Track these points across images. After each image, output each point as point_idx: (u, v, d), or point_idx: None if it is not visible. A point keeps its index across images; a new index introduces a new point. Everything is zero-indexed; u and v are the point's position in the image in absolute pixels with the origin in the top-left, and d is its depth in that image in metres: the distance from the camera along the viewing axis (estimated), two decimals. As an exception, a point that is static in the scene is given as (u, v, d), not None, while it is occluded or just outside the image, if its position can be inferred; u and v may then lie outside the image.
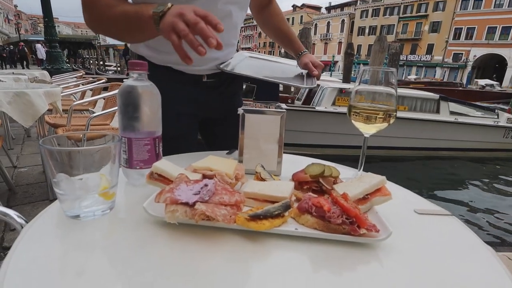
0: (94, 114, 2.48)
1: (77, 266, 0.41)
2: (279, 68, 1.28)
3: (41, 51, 17.71)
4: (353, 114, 0.76)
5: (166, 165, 0.62)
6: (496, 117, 6.74)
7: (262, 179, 0.69)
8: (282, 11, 1.28)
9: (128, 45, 1.04)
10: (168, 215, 0.48)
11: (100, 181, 0.53)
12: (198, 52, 0.62)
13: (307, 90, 6.57)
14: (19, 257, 0.42)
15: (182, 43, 0.64)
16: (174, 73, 1.01)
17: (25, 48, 20.96)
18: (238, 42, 1.25)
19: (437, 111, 6.14)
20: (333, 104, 5.73)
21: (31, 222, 0.51)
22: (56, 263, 0.42)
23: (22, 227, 0.72)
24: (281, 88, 8.90)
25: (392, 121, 0.74)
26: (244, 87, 1.25)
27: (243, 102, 1.16)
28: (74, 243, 0.47)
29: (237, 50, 1.20)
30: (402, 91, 6.31)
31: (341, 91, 5.77)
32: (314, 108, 5.62)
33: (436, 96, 6.17)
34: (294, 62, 1.24)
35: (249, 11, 1.18)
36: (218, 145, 1.05)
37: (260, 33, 79.17)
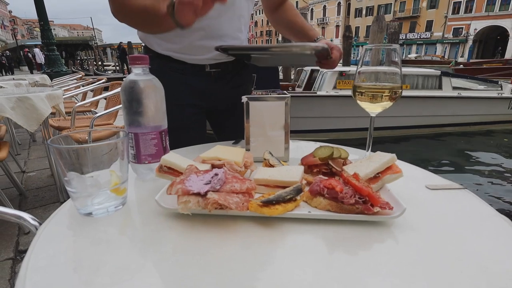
0: (97, 114, 2.49)
1: (95, 262, 0.42)
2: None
3: (39, 56, 17.65)
4: (358, 94, 0.75)
5: (175, 157, 0.62)
6: (500, 88, 6.65)
7: (271, 166, 0.68)
8: (293, 6, 1.24)
9: (138, 35, 1.03)
10: (181, 206, 0.48)
11: (111, 177, 0.53)
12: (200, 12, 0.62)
13: (307, 76, 6.52)
14: (37, 257, 0.43)
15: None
16: (176, 63, 1.00)
17: (29, 54, 20.89)
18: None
19: (440, 87, 6.07)
20: (334, 88, 5.68)
21: (46, 222, 0.52)
22: (74, 260, 0.42)
23: (37, 229, 0.73)
24: (280, 77, 8.83)
25: (398, 98, 0.73)
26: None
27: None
28: (90, 239, 0.47)
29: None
30: (403, 69, 6.23)
31: (341, 74, 5.72)
32: (316, 93, 5.58)
33: (437, 72, 6.09)
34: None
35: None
36: (227, 136, 1.04)
37: (256, 22, 78.25)
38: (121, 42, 19.14)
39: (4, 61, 20.31)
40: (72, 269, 0.41)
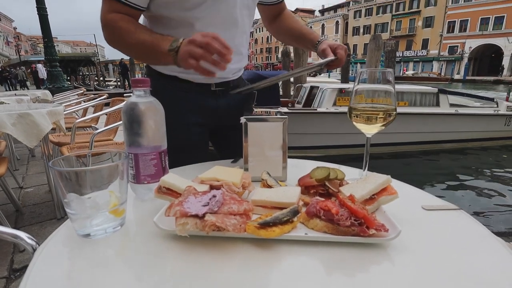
0: (98, 131, 2.50)
1: (93, 284, 0.42)
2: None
3: (42, 71, 17.82)
4: (354, 116, 0.77)
5: (174, 178, 0.62)
6: (496, 106, 6.73)
7: (269, 186, 0.69)
8: (292, 14, 1.25)
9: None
10: (179, 228, 0.49)
11: (110, 198, 0.54)
12: (220, 68, 0.70)
13: (306, 92, 6.60)
14: (34, 280, 0.43)
15: (200, 64, 0.71)
16: (181, 82, 1.01)
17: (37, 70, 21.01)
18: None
19: (437, 104, 6.14)
20: (334, 104, 5.75)
21: (43, 244, 0.52)
22: (71, 282, 0.43)
23: (33, 248, 0.73)
24: (280, 93, 8.91)
25: (392, 120, 0.75)
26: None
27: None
28: (88, 261, 0.47)
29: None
30: (401, 86, 6.32)
31: (341, 91, 5.80)
32: (316, 109, 5.63)
33: (434, 89, 6.18)
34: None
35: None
36: (231, 153, 1.03)
37: (256, 40, 79.72)
38: (122, 59, 19.41)
39: (10, 76, 20.52)
40: (70, 292, 0.41)
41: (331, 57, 0.95)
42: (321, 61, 0.96)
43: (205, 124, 1.10)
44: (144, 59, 0.93)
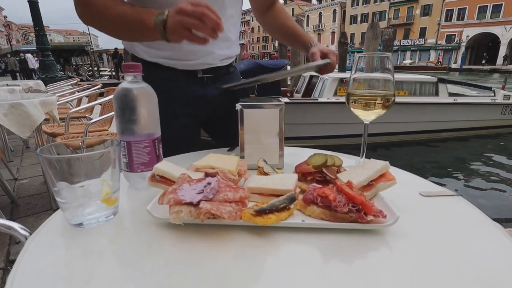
0: (92, 121, 2.47)
1: (85, 274, 0.41)
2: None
3: (31, 61, 17.40)
4: (352, 102, 0.75)
5: (167, 166, 0.61)
6: (493, 94, 6.75)
7: (265, 173, 0.68)
8: (285, 9, 1.22)
9: (123, 44, 1.01)
10: (173, 216, 0.48)
11: (102, 187, 0.52)
12: (214, 37, 0.66)
13: (306, 82, 6.56)
14: (25, 270, 0.42)
15: (194, 34, 0.67)
16: (165, 70, 0.97)
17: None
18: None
19: (436, 93, 6.15)
20: (335, 94, 5.72)
21: (34, 233, 0.51)
22: (63, 272, 0.42)
23: (27, 239, 0.72)
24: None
25: (391, 106, 0.73)
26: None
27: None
28: (80, 251, 0.46)
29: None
30: (401, 76, 6.30)
31: (341, 81, 5.78)
32: (317, 99, 5.61)
33: (434, 78, 6.17)
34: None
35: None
36: (231, 142, 0.99)
37: (252, 28, 78.81)
38: (116, 48, 19.01)
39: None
40: (62, 282, 0.40)
41: (323, 60, 0.95)
42: (319, 62, 0.95)
43: (194, 114, 1.06)
44: (126, 36, 0.86)
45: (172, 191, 0.50)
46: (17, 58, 18.00)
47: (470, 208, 0.60)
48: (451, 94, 6.31)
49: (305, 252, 0.46)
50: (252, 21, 74.59)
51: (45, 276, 0.40)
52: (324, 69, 0.98)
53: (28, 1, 6.83)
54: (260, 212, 0.49)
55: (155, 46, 0.95)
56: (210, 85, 1.04)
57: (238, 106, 0.78)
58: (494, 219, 0.56)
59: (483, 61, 36.02)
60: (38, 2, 6.93)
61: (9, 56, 19.02)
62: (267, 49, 75.31)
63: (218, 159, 0.67)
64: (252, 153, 0.81)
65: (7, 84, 4.34)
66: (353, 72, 0.74)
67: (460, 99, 6.29)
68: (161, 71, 0.97)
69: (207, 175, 0.61)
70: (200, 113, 1.08)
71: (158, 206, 0.51)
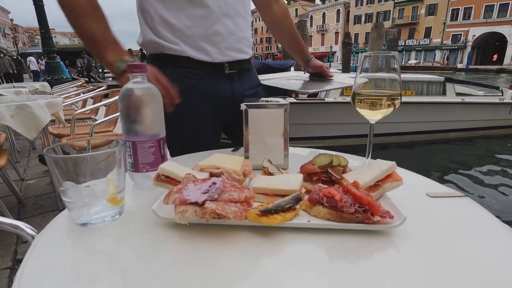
0: (97, 122, 2.48)
1: (91, 274, 0.41)
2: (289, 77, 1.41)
3: (34, 63, 17.39)
4: (357, 102, 0.75)
5: (172, 166, 0.61)
6: (501, 94, 6.65)
7: (270, 174, 0.68)
8: (288, 10, 1.26)
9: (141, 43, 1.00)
10: (178, 216, 0.48)
11: (108, 187, 0.52)
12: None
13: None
14: (32, 269, 0.42)
15: None
16: (194, 67, 0.96)
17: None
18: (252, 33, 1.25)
19: (444, 93, 6.08)
20: (341, 94, 5.71)
21: (41, 233, 0.51)
22: (69, 272, 0.42)
23: (34, 238, 0.72)
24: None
25: (397, 105, 0.73)
26: None
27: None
28: (86, 250, 0.46)
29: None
30: (408, 75, 6.25)
31: None
32: (324, 99, 5.60)
33: (441, 78, 6.11)
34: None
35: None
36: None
37: (256, 29, 78.88)
38: (130, 49, 19.10)
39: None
40: (68, 281, 0.40)
41: (330, 75, 1.23)
42: (350, 83, 0.98)
43: (222, 117, 1.06)
44: (85, 43, 0.86)
45: (177, 191, 0.50)
46: (13, 57, 15.19)
47: (478, 209, 0.59)
48: (458, 94, 6.24)
49: (311, 253, 0.45)
50: (256, 21, 74.64)
51: (52, 276, 0.40)
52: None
53: (34, 4, 6.90)
54: (266, 212, 0.49)
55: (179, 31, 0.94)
56: (236, 82, 1.04)
57: (243, 106, 0.78)
58: (503, 221, 0.55)
59: (494, 58, 35.30)
60: (43, 5, 7.00)
61: (1, 55, 15.05)
62: (271, 50, 75.34)
63: (223, 159, 0.67)
64: (256, 153, 0.81)
65: (13, 86, 4.39)
66: (359, 71, 0.74)
67: (467, 99, 6.21)
68: (189, 70, 0.96)
69: (212, 175, 0.61)
70: (227, 114, 1.07)
71: (163, 206, 0.51)
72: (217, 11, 0.94)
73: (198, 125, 0.97)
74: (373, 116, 0.75)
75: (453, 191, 0.66)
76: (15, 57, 16.12)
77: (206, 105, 1.00)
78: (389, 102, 0.71)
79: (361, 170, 0.62)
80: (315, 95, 6.20)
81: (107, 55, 0.79)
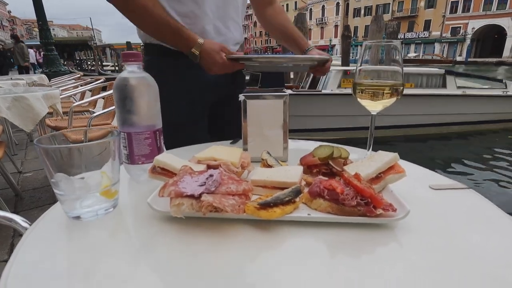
0: (95, 114, 2.45)
1: (83, 269, 0.39)
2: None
3: (32, 56, 17.23)
4: (359, 92, 0.73)
5: (169, 158, 0.59)
6: (504, 87, 6.57)
7: (269, 166, 0.66)
8: (285, 11, 1.27)
9: (138, 34, 1.04)
10: (174, 209, 0.46)
11: (101, 179, 0.51)
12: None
13: (310, 78, 6.50)
14: (21, 262, 0.40)
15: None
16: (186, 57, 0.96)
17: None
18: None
19: (444, 86, 6.03)
20: (339, 86, 5.67)
21: (32, 226, 0.49)
22: (60, 266, 0.40)
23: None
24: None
25: (399, 96, 0.71)
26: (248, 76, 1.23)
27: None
28: (79, 244, 0.45)
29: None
30: (407, 68, 6.19)
31: (345, 72, 5.72)
32: (321, 91, 5.56)
33: (441, 70, 6.05)
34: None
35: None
36: (228, 133, 0.98)
37: (255, 23, 78.19)
38: (128, 42, 18.95)
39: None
40: (58, 277, 0.38)
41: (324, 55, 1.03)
42: (318, 56, 0.97)
43: (209, 101, 1.09)
44: (155, 35, 0.94)
45: (173, 183, 0.48)
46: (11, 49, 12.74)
47: (482, 201, 0.57)
48: (460, 87, 6.18)
49: (311, 247, 0.44)
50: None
51: (42, 270, 0.39)
52: (318, 71, 1.00)
53: (31, -5, 6.80)
54: (264, 205, 0.47)
55: None
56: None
57: (241, 97, 0.76)
58: (508, 213, 0.54)
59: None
60: (41, -4, 6.90)
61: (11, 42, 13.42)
62: (270, 43, 74.75)
63: (221, 151, 0.65)
64: (255, 145, 0.79)
65: (11, 78, 4.34)
66: (360, 62, 0.72)
67: (469, 91, 6.14)
68: (182, 59, 0.95)
69: (209, 167, 0.59)
70: (212, 98, 1.10)
71: (159, 198, 0.50)
72: (209, 15, 0.98)
73: (187, 107, 1.02)
74: (374, 107, 0.73)
75: (456, 183, 0.64)
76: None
77: (195, 90, 1.03)
78: (391, 92, 0.69)
79: (363, 162, 0.61)
80: (313, 86, 6.16)
81: (184, 44, 0.87)
